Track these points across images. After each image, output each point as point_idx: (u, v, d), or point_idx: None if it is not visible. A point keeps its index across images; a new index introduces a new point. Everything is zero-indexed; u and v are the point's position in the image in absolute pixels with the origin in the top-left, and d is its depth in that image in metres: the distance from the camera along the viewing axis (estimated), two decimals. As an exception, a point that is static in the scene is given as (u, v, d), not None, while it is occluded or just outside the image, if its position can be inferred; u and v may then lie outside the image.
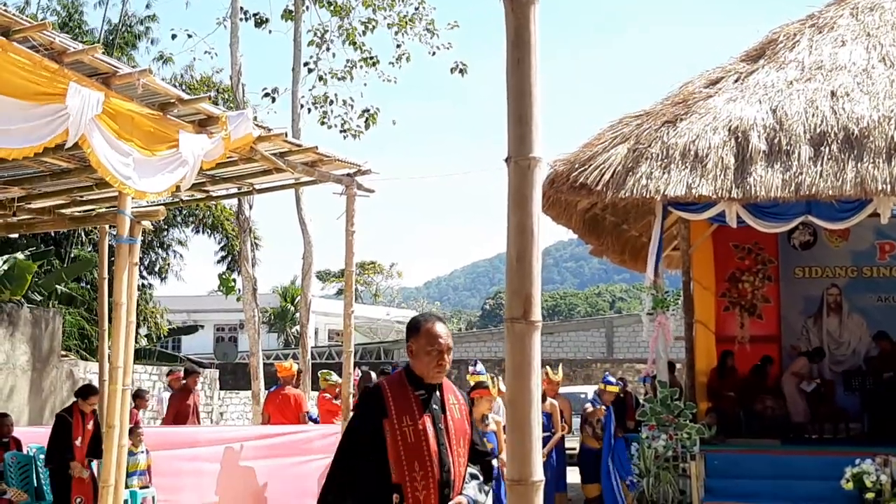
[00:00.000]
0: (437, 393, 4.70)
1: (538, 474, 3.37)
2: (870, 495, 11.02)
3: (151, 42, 26.21)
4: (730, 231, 13.88)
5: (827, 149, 12.04)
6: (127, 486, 10.86)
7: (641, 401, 13.61)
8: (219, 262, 31.26)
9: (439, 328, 4.69)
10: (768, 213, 12.57)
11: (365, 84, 23.80)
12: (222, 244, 30.26)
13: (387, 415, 4.55)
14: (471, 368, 12.88)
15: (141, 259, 23.65)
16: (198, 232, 29.47)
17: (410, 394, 4.64)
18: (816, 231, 15.37)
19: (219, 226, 28.79)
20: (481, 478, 4.80)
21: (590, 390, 17.03)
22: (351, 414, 12.05)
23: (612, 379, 13.43)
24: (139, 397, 14.09)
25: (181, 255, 30.11)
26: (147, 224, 8.99)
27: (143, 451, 11.10)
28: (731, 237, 15.28)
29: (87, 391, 10.35)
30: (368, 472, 4.50)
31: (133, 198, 7.93)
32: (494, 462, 7.07)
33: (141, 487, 11.00)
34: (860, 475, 11.10)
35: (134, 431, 11.23)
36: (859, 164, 11.78)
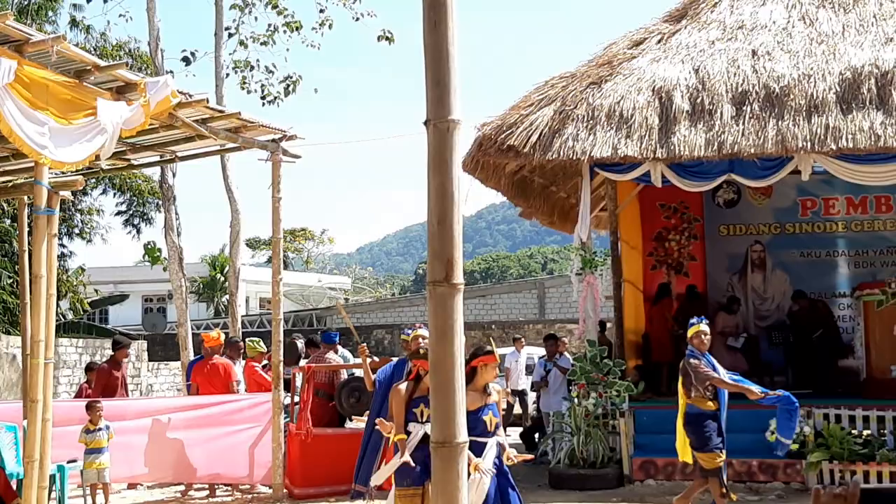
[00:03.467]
0: None
1: (462, 436, 3.39)
2: (794, 446, 11.30)
3: (74, 7, 25.42)
4: (656, 191, 14.02)
5: (748, 108, 12.20)
6: (90, 465, 10.73)
7: (571, 360, 13.78)
8: (117, 214, 30.58)
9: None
10: (692, 172, 12.72)
11: (288, 49, 23.48)
12: (127, 201, 29.65)
13: None
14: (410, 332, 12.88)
15: (62, 224, 23.19)
16: (104, 193, 28.93)
17: None
18: (740, 189, 15.61)
19: (128, 188, 28.29)
20: None
21: (522, 351, 17.11)
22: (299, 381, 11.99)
23: (694, 319, 9.73)
24: (90, 370, 13.82)
25: (101, 224, 29.53)
26: (66, 194, 8.78)
27: (103, 428, 10.90)
28: (657, 197, 15.46)
29: None
30: None
31: (50, 168, 7.74)
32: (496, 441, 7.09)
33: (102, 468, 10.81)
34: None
35: (92, 407, 11.03)
36: (780, 123, 11.96)
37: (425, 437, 7.15)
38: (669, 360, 14.75)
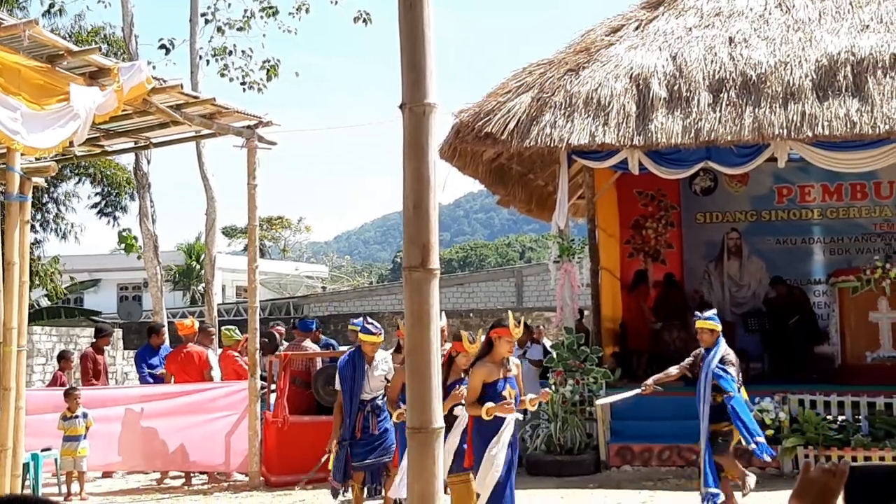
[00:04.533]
0: None
1: (438, 421, 3.37)
2: (769, 432, 11.36)
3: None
4: (633, 178, 14.04)
5: (725, 95, 12.22)
6: (67, 453, 10.66)
7: (548, 347, 13.79)
8: (93, 206, 30.26)
9: None
10: (669, 159, 12.74)
11: (264, 35, 23.34)
12: (102, 192, 29.33)
13: None
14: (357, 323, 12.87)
15: (35, 212, 22.93)
16: (79, 183, 28.64)
17: None
18: (717, 177, 15.65)
19: (104, 178, 28.00)
20: None
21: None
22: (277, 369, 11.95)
23: (707, 312, 9.38)
24: (64, 359, 13.74)
25: (73, 209, 29.25)
26: (39, 180, 8.70)
27: (80, 415, 10.81)
28: (634, 184, 15.49)
29: None
30: None
31: (23, 154, 7.66)
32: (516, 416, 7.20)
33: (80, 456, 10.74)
34: (760, 413, 11.42)
35: (70, 395, 10.95)
36: (757, 110, 11.99)
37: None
38: (646, 348, 14.83)
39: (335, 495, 8.88)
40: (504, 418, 7.03)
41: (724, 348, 9.08)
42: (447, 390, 7.23)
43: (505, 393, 7.04)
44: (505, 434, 7.06)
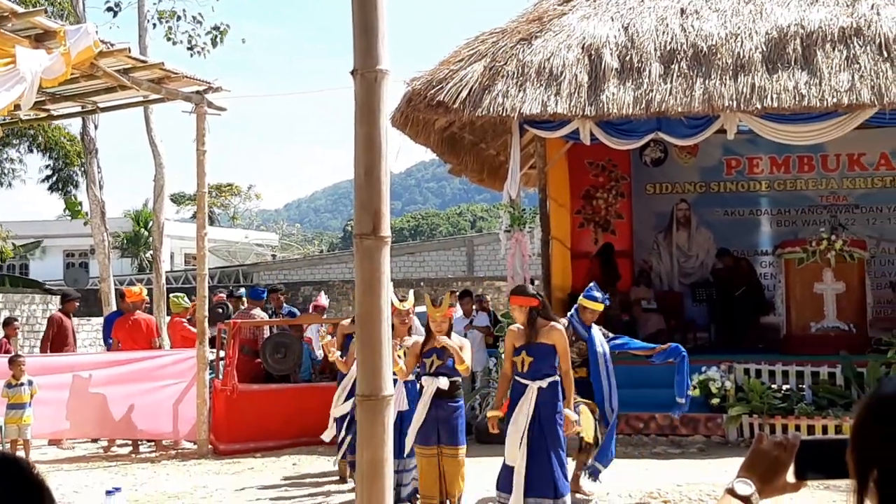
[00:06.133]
0: None
1: (388, 389, 3.36)
2: (715, 400, 11.54)
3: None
4: (584, 149, 14.08)
5: (676, 66, 12.27)
6: (11, 421, 10.50)
7: (499, 317, 13.84)
8: (43, 181, 29.84)
9: None
10: (620, 130, 12.78)
11: (217, -1, 22.99)
12: (52, 164, 28.89)
13: None
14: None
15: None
16: (31, 151, 28.13)
17: None
18: (667, 148, 15.74)
19: (52, 146, 27.52)
20: None
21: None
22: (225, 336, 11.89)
23: (598, 294, 8.81)
24: (8, 325, 13.55)
25: (21, 178, 28.82)
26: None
27: (25, 383, 10.65)
28: (585, 155, 15.54)
29: None
30: None
31: (-35, 116, 7.50)
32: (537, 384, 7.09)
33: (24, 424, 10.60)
34: (706, 381, 11.59)
35: (14, 362, 10.77)
36: (707, 81, 12.06)
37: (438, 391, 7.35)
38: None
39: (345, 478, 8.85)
40: (525, 385, 7.05)
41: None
42: (422, 357, 7.40)
43: (518, 360, 7.14)
44: (525, 404, 7.04)
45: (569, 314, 8.75)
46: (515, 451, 6.96)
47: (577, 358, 8.23)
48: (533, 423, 7.01)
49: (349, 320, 9.54)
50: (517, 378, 7.14)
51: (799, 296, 13.38)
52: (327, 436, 9.23)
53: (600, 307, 8.63)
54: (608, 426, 8.46)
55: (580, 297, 8.75)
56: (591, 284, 8.96)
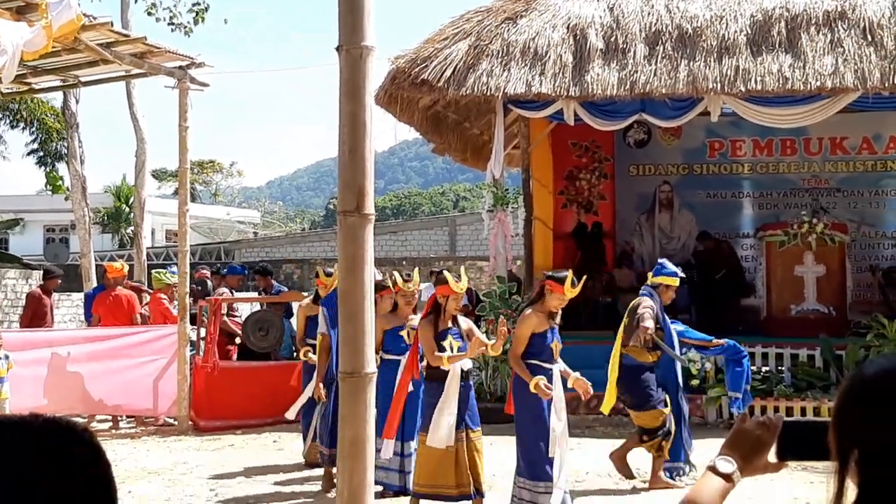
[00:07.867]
0: None
1: (370, 366, 3.36)
2: (695, 382, 11.58)
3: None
4: (568, 129, 14.07)
5: (661, 47, 12.27)
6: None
7: (481, 296, 13.84)
8: (28, 154, 29.58)
9: None
10: (604, 111, 12.78)
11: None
12: (36, 138, 28.65)
13: None
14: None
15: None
16: (13, 127, 27.88)
17: None
18: (651, 129, 15.75)
19: (35, 120, 27.28)
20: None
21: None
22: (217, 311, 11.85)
23: (672, 267, 8.64)
24: None
25: (2, 154, 28.59)
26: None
27: (2, 357, 10.56)
28: (569, 135, 15.52)
29: None
30: None
31: (-56, 89, 7.42)
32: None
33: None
34: (687, 363, 11.63)
35: None
36: (692, 63, 12.07)
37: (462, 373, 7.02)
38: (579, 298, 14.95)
39: (329, 464, 8.02)
40: (550, 370, 6.85)
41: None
42: (438, 339, 6.92)
43: (552, 346, 6.87)
44: (558, 389, 6.88)
45: (648, 297, 8.41)
46: (563, 441, 6.84)
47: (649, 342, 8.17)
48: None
49: (309, 299, 9.26)
50: (540, 363, 6.85)
51: (779, 278, 13.45)
52: (291, 414, 9.10)
53: (677, 281, 8.53)
54: (679, 417, 8.51)
55: (651, 277, 8.57)
56: (662, 260, 8.71)
